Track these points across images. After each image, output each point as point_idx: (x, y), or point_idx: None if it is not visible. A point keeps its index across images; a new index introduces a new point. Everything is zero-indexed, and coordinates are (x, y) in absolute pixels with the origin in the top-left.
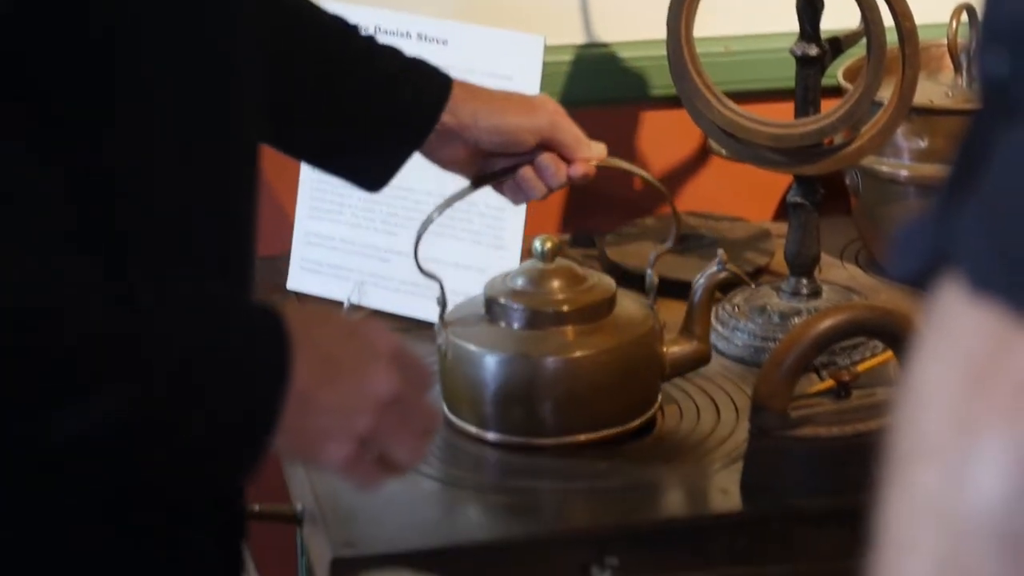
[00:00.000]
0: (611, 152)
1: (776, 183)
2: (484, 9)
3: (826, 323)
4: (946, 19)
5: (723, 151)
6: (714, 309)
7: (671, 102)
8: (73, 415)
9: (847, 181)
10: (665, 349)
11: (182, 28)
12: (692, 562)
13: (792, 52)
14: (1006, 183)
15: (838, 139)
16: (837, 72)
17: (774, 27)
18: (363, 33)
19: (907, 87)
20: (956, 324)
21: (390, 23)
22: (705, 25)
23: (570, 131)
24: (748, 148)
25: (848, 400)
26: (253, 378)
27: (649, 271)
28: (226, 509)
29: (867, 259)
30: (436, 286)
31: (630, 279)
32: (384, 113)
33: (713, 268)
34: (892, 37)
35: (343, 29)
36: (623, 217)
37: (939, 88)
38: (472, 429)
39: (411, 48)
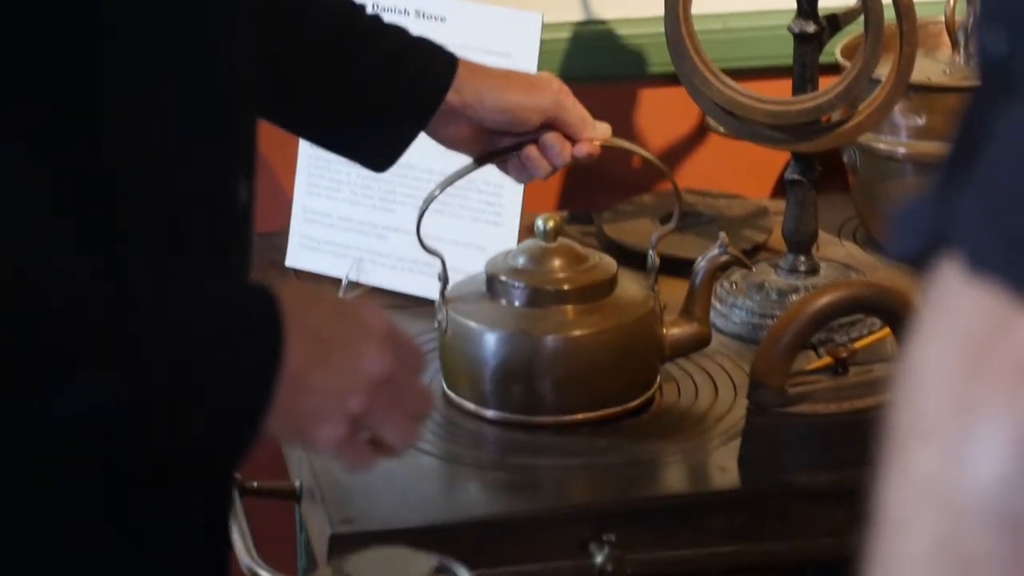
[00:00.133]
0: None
1: (774, 160)
2: None
3: (824, 300)
4: None
5: (721, 128)
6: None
7: (669, 79)
8: (66, 399)
9: (845, 158)
10: (665, 331)
11: (181, 27)
12: (690, 538)
13: (790, 29)
14: (1005, 162)
15: (836, 116)
16: (835, 49)
17: (772, 4)
18: (368, 12)
19: (905, 64)
20: (955, 304)
21: (388, 0)
22: (703, 2)
23: (575, 110)
24: (746, 125)
25: (846, 377)
26: (246, 359)
27: (651, 252)
28: (214, 484)
29: (865, 236)
30: (434, 263)
31: (627, 256)
32: (389, 93)
33: (715, 251)
34: (890, 14)
35: (348, 9)
36: (620, 194)
37: (937, 65)
38: (471, 406)
39: (409, 26)
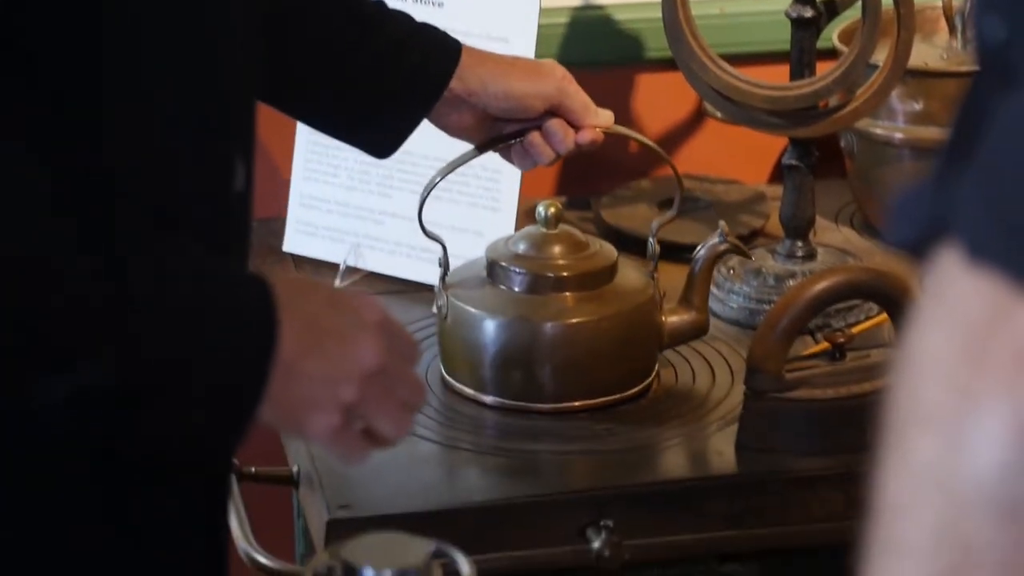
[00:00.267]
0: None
1: (771, 145)
2: None
3: (821, 286)
4: None
5: (718, 113)
6: None
7: (666, 64)
8: (62, 386)
9: (842, 144)
10: (664, 318)
11: (181, 22)
12: (687, 523)
13: (787, 14)
14: (1004, 150)
15: (833, 101)
16: (832, 34)
17: None
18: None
19: (902, 49)
20: (954, 292)
21: None
22: None
23: (578, 97)
24: (743, 110)
25: (843, 362)
26: (240, 346)
27: (651, 240)
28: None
29: (862, 222)
30: (431, 249)
31: (625, 241)
32: (393, 80)
33: (714, 240)
34: None
35: None
36: (618, 180)
37: (934, 50)
38: (470, 392)
39: (407, 10)
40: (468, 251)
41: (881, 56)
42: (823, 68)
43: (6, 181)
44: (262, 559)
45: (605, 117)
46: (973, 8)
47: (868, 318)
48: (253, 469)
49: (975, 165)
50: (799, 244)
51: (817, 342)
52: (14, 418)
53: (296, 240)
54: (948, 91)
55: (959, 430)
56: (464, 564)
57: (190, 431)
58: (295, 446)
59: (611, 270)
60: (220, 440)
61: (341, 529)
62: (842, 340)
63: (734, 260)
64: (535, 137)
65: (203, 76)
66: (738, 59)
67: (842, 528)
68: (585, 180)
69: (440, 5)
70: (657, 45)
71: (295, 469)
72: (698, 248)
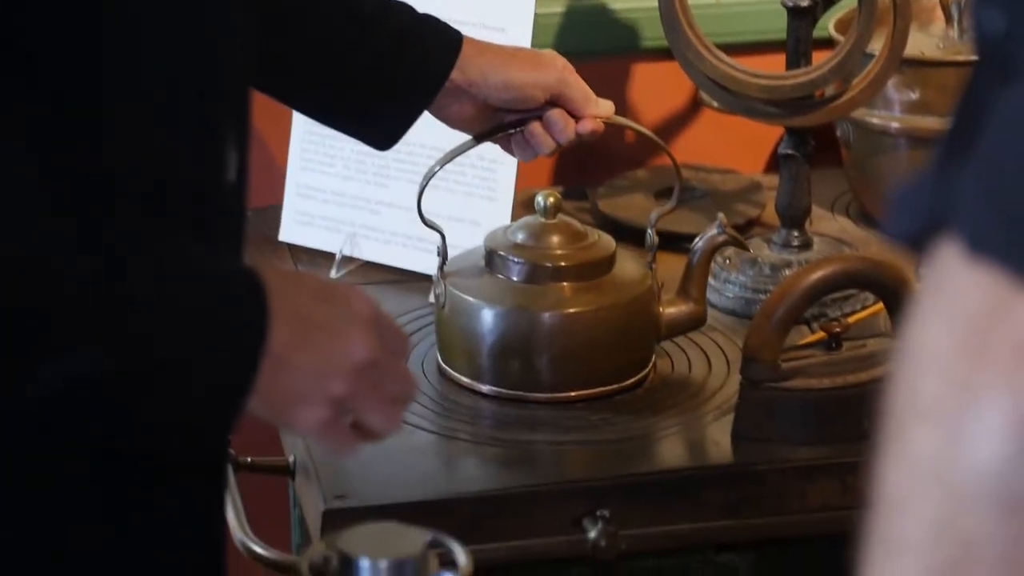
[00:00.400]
0: None
1: (767, 135)
2: None
3: (817, 275)
4: None
5: (714, 103)
6: None
7: (662, 54)
8: (52, 374)
9: (838, 133)
10: (662, 309)
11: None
12: (684, 513)
13: (783, 3)
14: (1003, 142)
15: (829, 91)
16: (828, 23)
17: None
18: None
19: (898, 38)
20: (954, 285)
21: None
22: None
23: (579, 87)
24: (739, 100)
25: (839, 352)
26: (230, 338)
27: (650, 231)
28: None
29: (858, 211)
30: (428, 238)
31: (622, 231)
32: (394, 72)
33: (713, 231)
34: None
35: None
36: (615, 170)
37: (930, 40)
38: (467, 381)
39: (408, 0)
40: (464, 240)
41: (877, 45)
42: (819, 57)
43: (5, 181)
44: (258, 549)
45: (605, 107)
46: (972, 0)
47: (864, 307)
48: (249, 459)
49: (975, 158)
50: (795, 233)
51: (813, 331)
52: (14, 418)
53: (292, 230)
54: (944, 80)
55: (959, 423)
56: (460, 554)
57: (180, 423)
58: (291, 436)
59: (609, 260)
60: (209, 432)
61: (337, 519)
62: (838, 329)
63: (730, 250)
64: (536, 127)
65: (201, 73)
66: (734, 48)
67: (839, 517)
68: (581, 170)
69: None
70: (653, 34)
71: (291, 459)
72: (696, 240)
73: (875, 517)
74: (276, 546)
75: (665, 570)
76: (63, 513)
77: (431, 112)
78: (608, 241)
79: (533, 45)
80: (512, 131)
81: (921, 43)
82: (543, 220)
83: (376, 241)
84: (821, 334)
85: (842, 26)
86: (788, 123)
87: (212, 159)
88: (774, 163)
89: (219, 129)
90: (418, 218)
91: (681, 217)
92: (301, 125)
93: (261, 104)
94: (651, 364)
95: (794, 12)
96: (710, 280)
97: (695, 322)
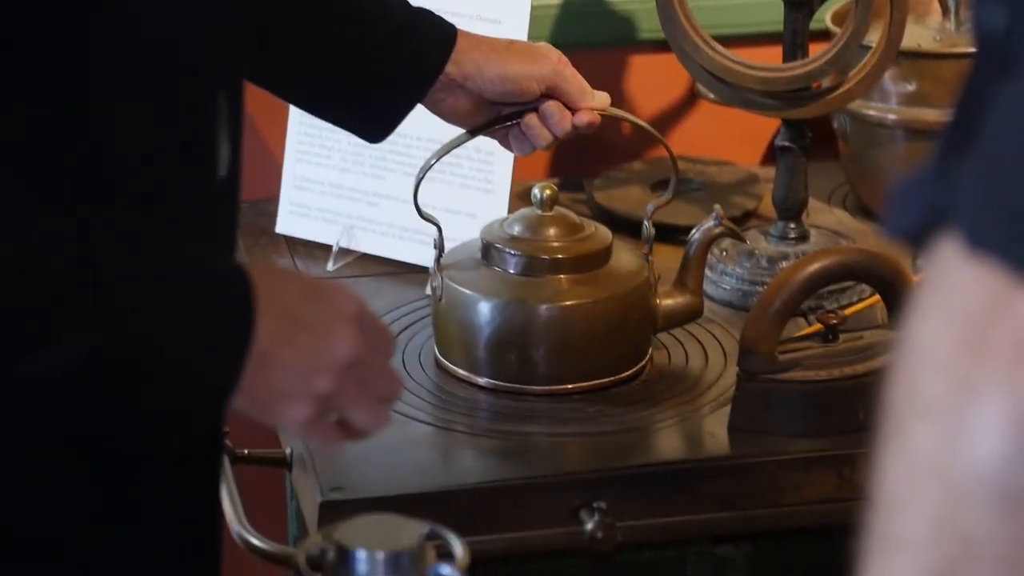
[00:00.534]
0: None
1: (764, 127)
2: None
3: (814, 267)
4: None
5: (711, 95)
6: None
7: (659, 46)
8: (35, 364)
9: (835, 125)
10: (658, 301)
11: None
12: (681, 505)
13: None
14: (1004, 138)
15: (826, 83)
16: (825, 16)
17: None
18: None
19: (895, 31)
20: (954, 281)
21: None
22: None
23: (574, 80)
24: (736, 92)
25: (835, 344)
26: (215, 335)
27: (646, 223)
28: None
29: (855, 203)
30: (424, 230)
31: (618, 223)
32: (389, 65)
33: (709, 223)
34: None
35: None
36: (611, 161)
37: (927, 32)
38: (463, 373)
39: None
40: (460, 233)
41: (874, 37)
42: (816, 49)
43: None
44: (255, 541)
45: (602, 99)
46: None
47: (861, 299)
48: (247, 451)
49: (975, 154)
50: (792, 226)
51: (810, 323)
52: (14, 418)
53: (289, 222)
54: (941, 72)
55: (959, 420)
56: (457, 546)
57: (164, 417)
58: None
59: (606, 253)
60: (194, 426)
61: (334, 511)
62: (835, 321)
63: (727, 242)
64: (532, 120)
65: (192, 67)
66: (731, 40)
67: (836, 509)
68: (578, 162)
69: None
70: (650, 26)
71: (288, 451)
72: (693, 231)
73: (874, 514)
74: (273, 538)
75: (662, 562)
76: (63, 513)
77: (426, 106)
78: (605, 233)
79: (530, 37)
80: (508, 124)
81: (918, 35)
82: (539, 212)
83: (373, 233)
84: (818, 326)
85: (839, 18)
86: (785, 115)
87: (203, 154)
88: (771, 155)
89: (210, 124)
90: (415, 210)
91: (678, 209)
92: (298, 117)
93: (258, 96)
94: (648, 356)
95: (791, 4)
96: (707, 272)
97: (692, 314)
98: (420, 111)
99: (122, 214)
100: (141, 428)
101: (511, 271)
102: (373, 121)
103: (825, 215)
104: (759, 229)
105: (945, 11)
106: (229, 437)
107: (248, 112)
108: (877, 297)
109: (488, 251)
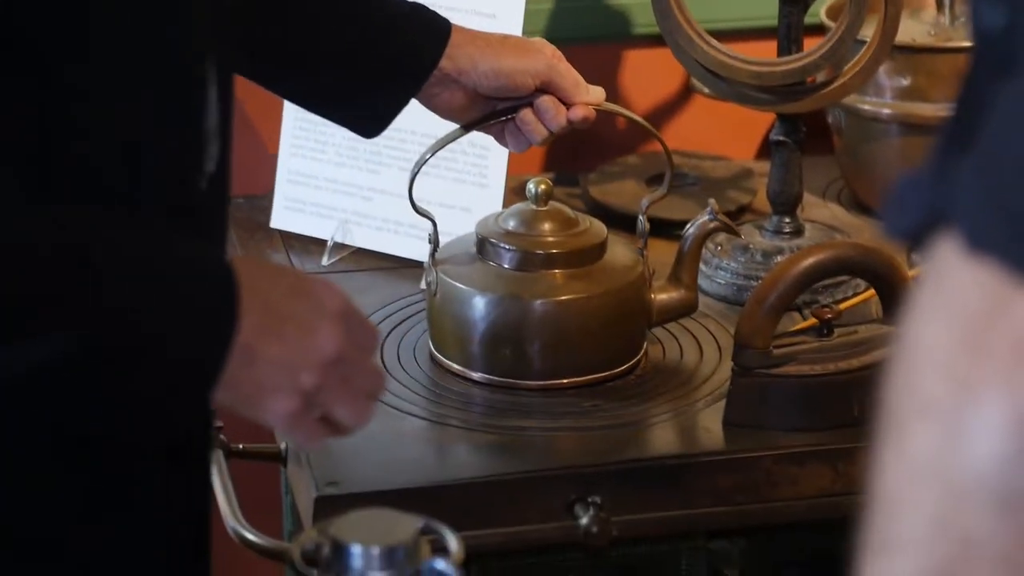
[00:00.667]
0: None
1: (759, 121)
2: None
3: (808, 261)
4: None
5: (706, 89)
6: None
7: (654, 40)
8: (20, 356)
9: (830, 119)
10: (653, 296)
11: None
12: (675, 500)
13: None
14: (1003, 137)
15: (821, 77)
16: (820, 10)
17: None
18: None
19: (890, 25)
20: (953, 282)
21: None
22: None
23: (569, 75)
24: (731, 86)
25: (830, 338)
26: (199, 328)
27: (641, 218)
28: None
29: (850, 198)
30: (420, 225)
31: (613, 218)
32: (382, 61)
33: (704, 217)
34: None
35: None
36: (606, 156)
37: (922, 26)
38: (458, 368)
39: None
40: (455, 227)
41: (869, 32)
42: (810, 44)
43: None
44: (250, 536)
45: (596, 94)
46: None
47: (856, 294)
48: (241, 446)
49: (975, 153)
50: (787, 220)
51: (805, 318)
52: (14, 418)
53: (284, 216)
54: (936, 67)
55: (958, 421)
56: (452, 540)
57: (143, 406)
58: None
59: (601, 247)
60: (178, 419)
61: (329, 506)
62: (829, 316)
63: (721, 236)
64: (527, 114)
65: (182, 62)
66: (725, 35)
67: (830, 504)
68: (573, 156)
69: None
70: (644, 21)
71: (283, 446)
72: (687, 226)
73: (873, 514)
74: (268, 533)
75: (656, 556)
76: (63, 513)
77: (421, 101)
78: (599, 228)
79: (524, 32)
80: (503, 119)
81: (912, 30)
82: (534, 207)
83: (368, 228)
84: (813, 321)
85: (833, 12)
86: (779, 109)
87: (192, 150)
88: (765, 149)
89: (199, 120)
90: (409, 205)
91: (672, 204)
92: (292, 112)
93: (253, 91)
94: (643, 351)
95: None
96: (701, 267)
97: (686, 308)
98: (415, 106)
99: (109, 209)
100: (124, 420)
101: (506, 266)
102: (368, 116)
103: (820, 210)
104: (754, 224)
105: (940, 5)
106: (224, 432)
107: (243, 107)
108: (872, 292)
109: (483, 246)
